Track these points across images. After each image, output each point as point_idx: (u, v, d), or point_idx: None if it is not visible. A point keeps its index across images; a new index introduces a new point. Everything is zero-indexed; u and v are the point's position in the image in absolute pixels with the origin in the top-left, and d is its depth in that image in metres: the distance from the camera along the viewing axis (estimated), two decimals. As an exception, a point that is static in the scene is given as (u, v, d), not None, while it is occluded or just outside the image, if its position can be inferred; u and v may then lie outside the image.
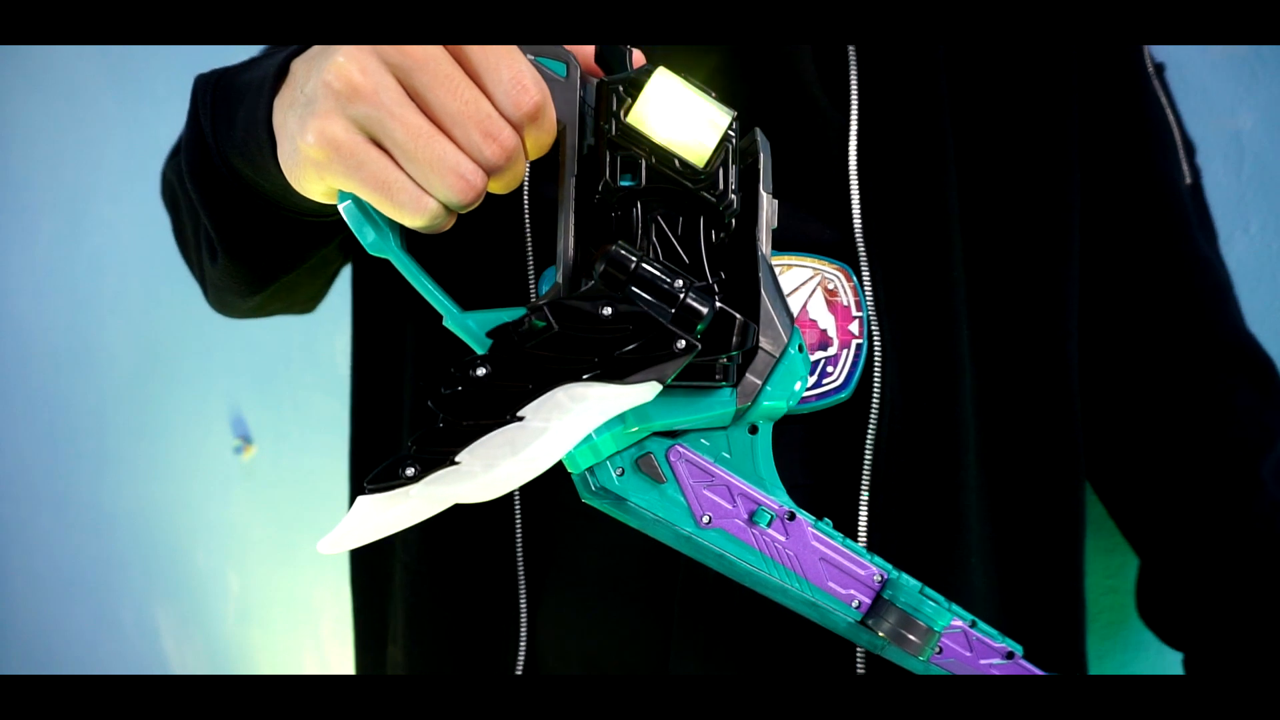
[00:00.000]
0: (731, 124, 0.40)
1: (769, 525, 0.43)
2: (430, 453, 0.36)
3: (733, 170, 0.40)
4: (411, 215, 0.38)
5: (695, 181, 0.39)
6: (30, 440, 1.58)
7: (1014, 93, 0.55)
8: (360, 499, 0.36)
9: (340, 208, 0.40)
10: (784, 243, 0.51)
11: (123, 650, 1.55)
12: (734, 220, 0.41)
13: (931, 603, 0.43)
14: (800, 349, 0.42)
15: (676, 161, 0.39)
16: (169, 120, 1.28)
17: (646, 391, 0.38)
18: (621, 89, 0.40)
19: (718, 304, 0.39)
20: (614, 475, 0.42)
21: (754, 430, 0.43)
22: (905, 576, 0.44)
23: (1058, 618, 0.59)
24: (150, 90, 1.29)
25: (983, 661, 0.44)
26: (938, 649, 0.44)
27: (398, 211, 0.38)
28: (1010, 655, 0.44)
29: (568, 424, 0.36)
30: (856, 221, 0.52)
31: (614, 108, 0.39)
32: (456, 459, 0.35)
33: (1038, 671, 0.44)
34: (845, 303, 0.50)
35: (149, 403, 1.39)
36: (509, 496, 0.56)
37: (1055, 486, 0.59)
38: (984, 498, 0.56)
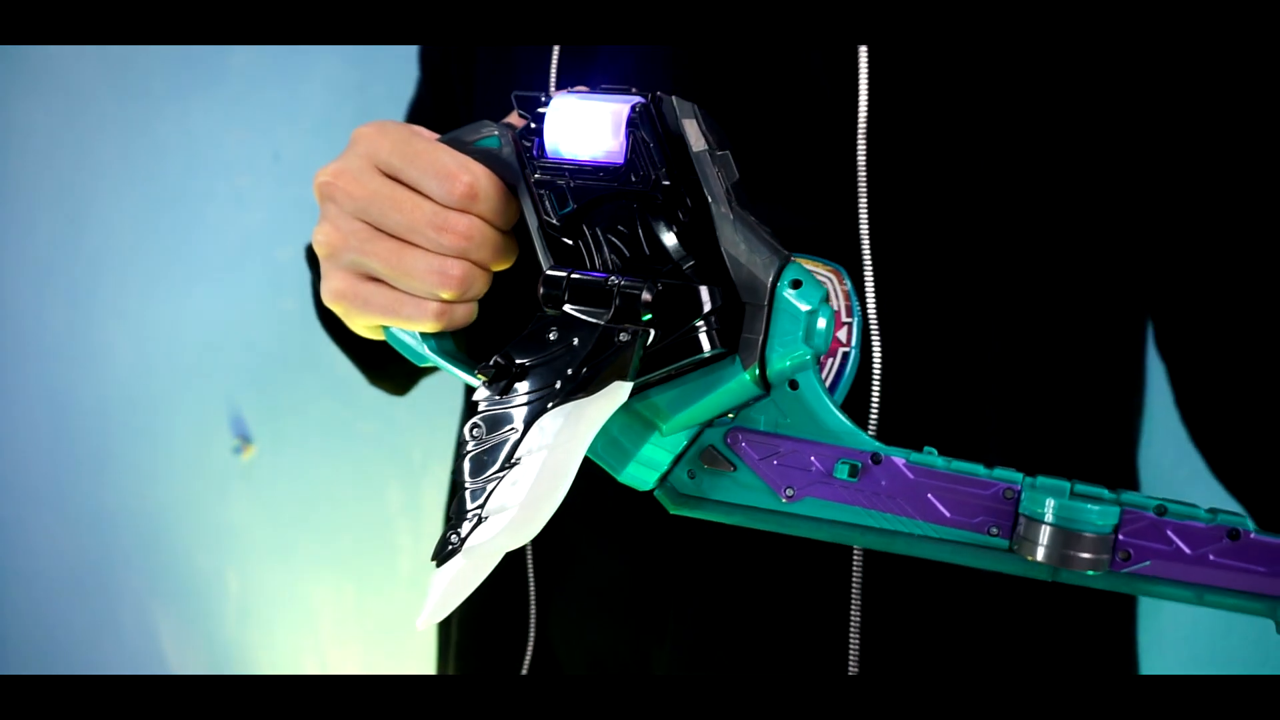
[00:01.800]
0: (633, 110, 0.39)
1: (855, 475, 0.39)
2: (462, 518, 0.38)
3: (652, 148, 0.39)
4: (424, 322, 0.43)
5: (620, 181, 0.39)
6: (30, 440, 1.58)
7: (1039, 82, 0.52)
8: (433, 576, 0.39)
9: (388, 336, 0.46)
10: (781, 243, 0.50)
11: (122, 650, 1.55)
12: (684, 197, 0.40)
13: (1090, 501, 0.36)
14: (796, 284, 0.39)
15: (601, 172, 0.40)
16: (168, 120, 1.28)
17: (617, 393, 0.38)
18: (530, 128, 0.41)
19: (659, 284, 0.38)
20: (688, 480, 0.41)
21: (794, 386, 0.40)
22: (1045, 480, 0.37)
23: (1097, 659, 0.57)
24: (150, 90, 1.29)
25: (1198, 553, 0.35)
26: (1125, 554, 0.36)
27: (413, 324, 0.43)
28: (1235, 534, 0.35)
29: (560, 451, 0.37)
30: (864, 225, 0.51)
31: (527, 153, 0.41)
32: (484, 516, 0.37)
33: None
34: (836, 307, 0.48)
35: (149, 403, 1.39)
36: None
37: None
38: None
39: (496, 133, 0.43)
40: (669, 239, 0.40)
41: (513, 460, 0.37)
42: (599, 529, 0.57)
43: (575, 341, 0.38)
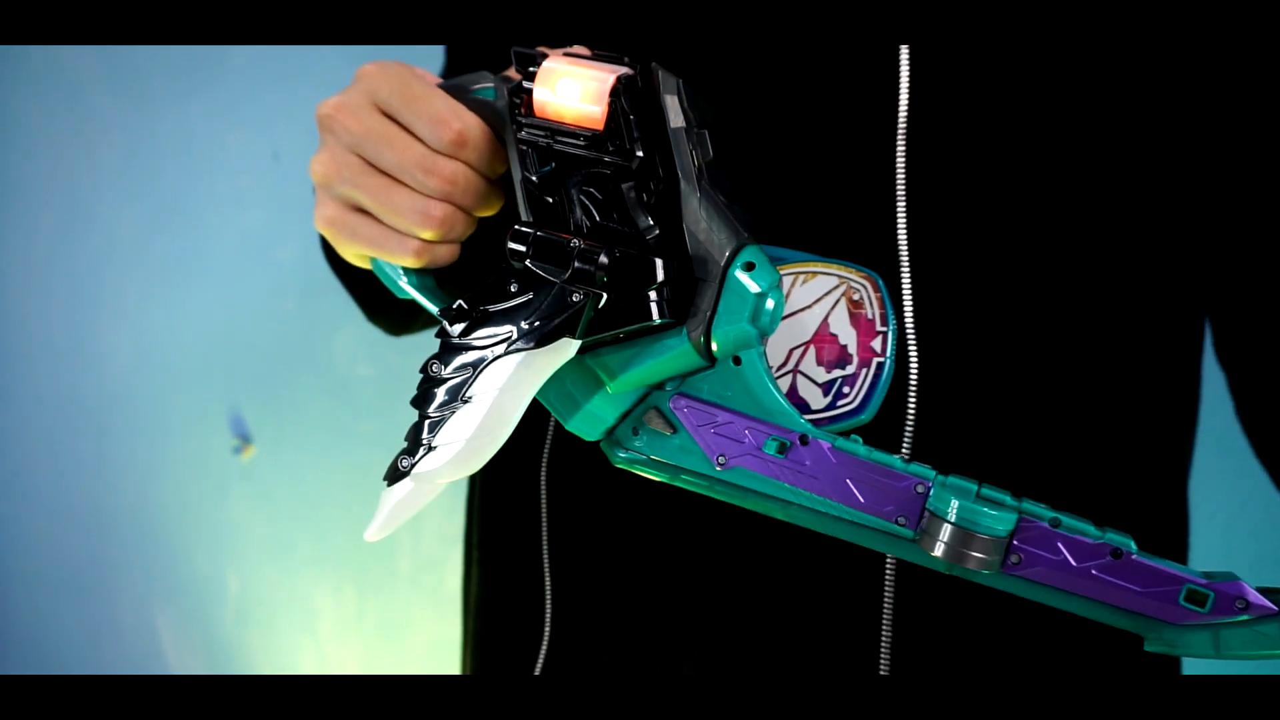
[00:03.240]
0: (619, 80, 0.41)
1: (783, 453, 0.41)
2: (414, 445, 0.41)
3: (631, 120, 0.41)
4: (405, 257, 0.45)
5: (597, 148, 0.41)
6: (30, 440, 1.58)
7: (1084, 85, 0.50)
8: (383, 494, 0.42)
9: (374, 266, 0.48)
10: (811, 246, 0.49)
11: (122, 650, 1.55)
12: (657, 169, 0.41)
13: (991, 505, 0.38)
14: (750, 266, 0.40)
15: (580, 137, 0.41)
16: (168, 120, 1.28)
17: (564, 349, 0.41)
18: (522, 86, 0.43)
19: (616, 251, 0.40)
20: (632, 435, 0.44)
21: (737, 362, 0.42)
22: (955, 479, 0.40)
23: (1119, 655, 0.55)
24: (150, 90, 1.29)
25: (1082, 566, 0.38)
26: (1016, 558, 0.38)
27: (395, 258, 0.45)
28: (1118, 553, 0.38)
29: (507, 395, 0.40)
30: (901, 231, 0.49)
31: (516, 109, 0.43)
32: (433, 445, 0.40)
33: (1163, 567, 0.38)
34: (870, 316, 0.47)
35: (149, 403, 1.39)
36: (535, 496, 0.58)
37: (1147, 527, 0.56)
38: None
39: (493, 84, 0.45)
40: (637, 209, 0.42)
41: (466, 397, 0.40)
42: (619, 530, 0.56)
43: (532, 296, 0.40)
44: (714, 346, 0.41)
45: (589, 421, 0.44)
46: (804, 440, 0.41)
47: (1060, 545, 0.39)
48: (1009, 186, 0.50)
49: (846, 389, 0.47)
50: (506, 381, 0.40)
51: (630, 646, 0.55)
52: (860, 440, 0.42)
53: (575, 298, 0.40)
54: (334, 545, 1.26)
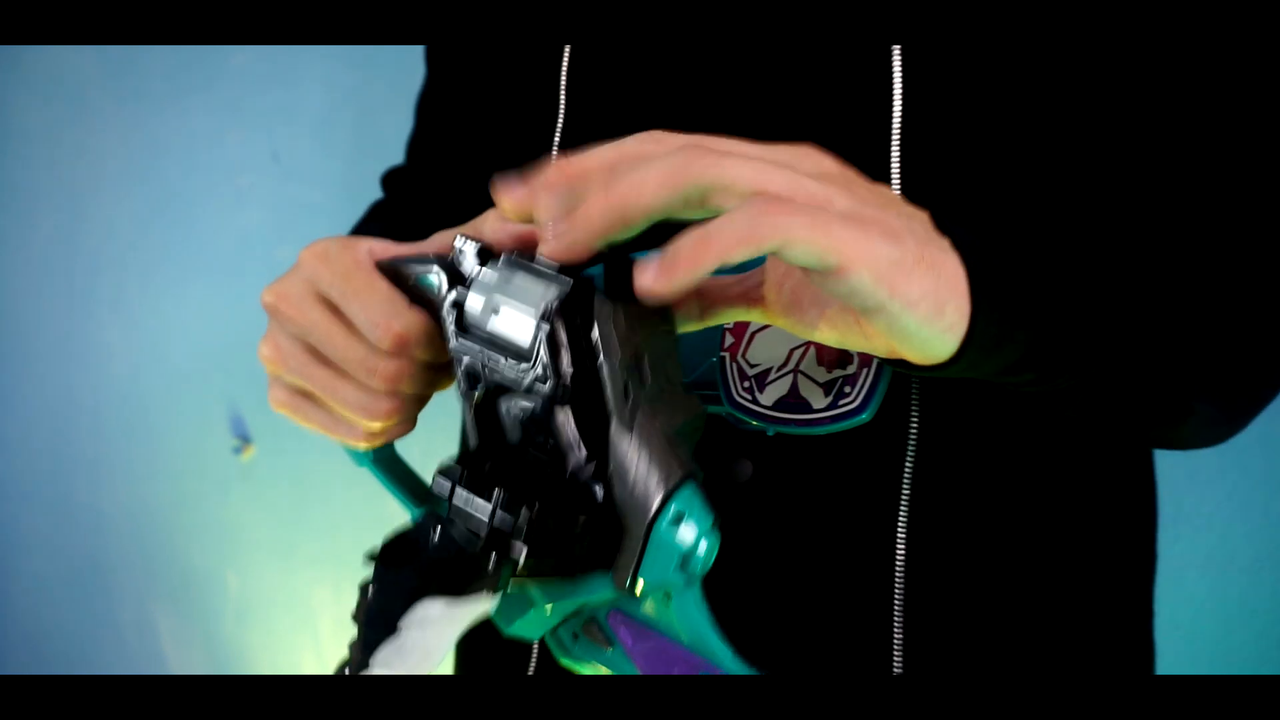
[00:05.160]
0: (550, 304, 0.39)
1: None
2: (355, 659, 0.42)
3: (557, 350, 0.39)
4: (356, 442, 0.47)
5: (525, 375, 0.40)
6: (30, 440, 1.58)
7: (1082, 83, 0.51)
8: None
9: None
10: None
11: (121, 650, 1.55)
12: (588, 398, 0.40)
13: None
14: (678, 519, 0.39)
15: (503, 360, 0.40)
16: (168, 120, 1.28)
17: (484, 602, 0.40)
18: (455, 297, 0.42)
19: (534, 509, 0.39)
20: (571, 640, 0.44)
21: (668, 598, 0.41)
22: None
23: (1123, 659, 0.57)
24: (150, 90, 1.29)
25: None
26: None
27: (345, 441, 0.47)
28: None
29: (432, 634, 0.41)
30: None
31: (452, 318, 0.42)
32: (370, 664, 0.41)
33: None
34: None
35: (148, 403, 1.39)
36: None
37: (1122, 520, 0.56)
38: (1036, 526, 0.53)
39: (434, 274, 0.44)
40: (571, 441, 0.41)
41: (395, 627, 0.41)
42: None
43: (451, 552, 0.40)
44: (639, 587, 0.40)
45: (528, 628, 0.43)
46: None
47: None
48: (1003, 186, 0.50)
49: (848, 389, 0.47)
50: (431, 623, 0.40)
51: None
52: None
53: (490, 564, 0.39)
54: (334, 545, 1.26)
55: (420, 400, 0.46)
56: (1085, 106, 0.50)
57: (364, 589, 0.41)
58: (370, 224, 0.70)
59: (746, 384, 0.48)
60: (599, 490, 0.40)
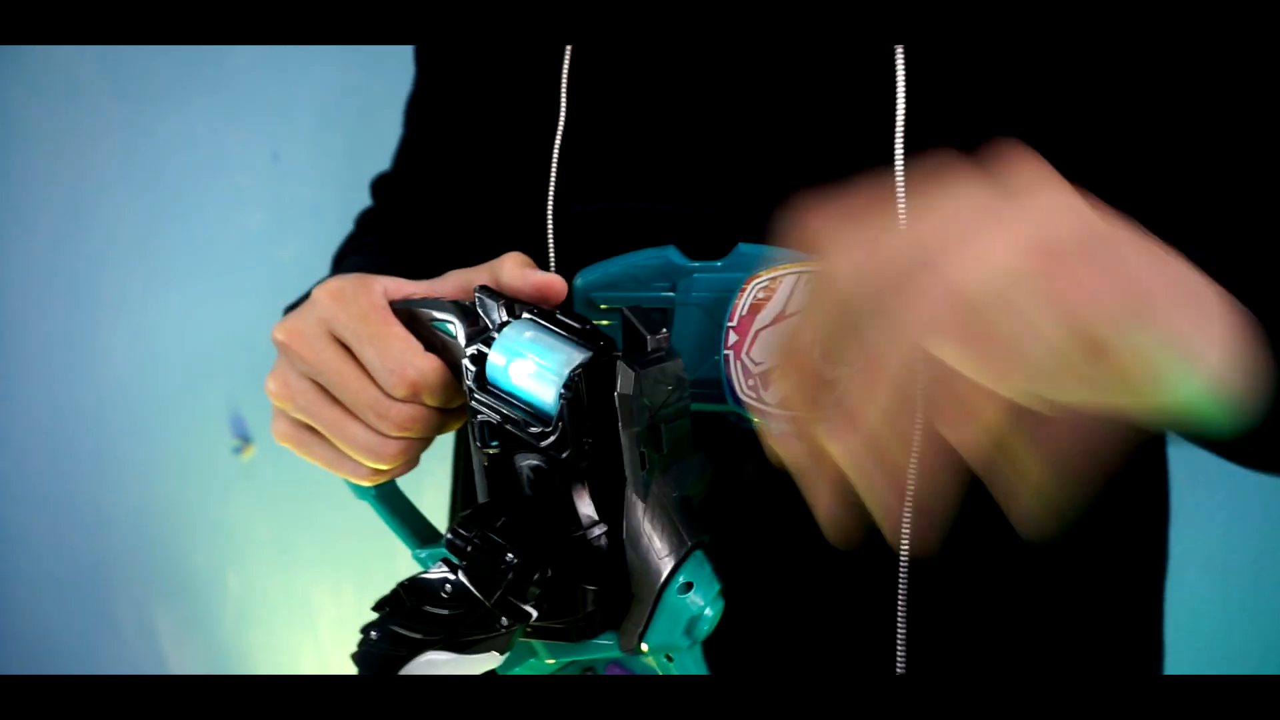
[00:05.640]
0: (574, 374, 0.39)
1: None
2: None
3: (578, 416, 0.40)
4: (359, 479, 0.47)
5: (544, 439, 0.40)
6: (30, 440, 1.58)
7: (1081, 83, 0.50)
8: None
9: None
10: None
11: (122, 651, 1.55)
12: (606, 466, 0.41)
13: None
14: (687, 587, 0.40)
15: (529, 422, 0.41)
16: (168, 120, 1.28)
17: (491, 659, 0.40)
18: (478, 350, 0.42)
19: (549, 574, 0.39)
20: None
21: (669, 659, 0.41)
22: None
23: (1132, 658, 0.57)
24: (150, 90, 1.29)
25: None
26: None
27: (351, 478, 0.48)
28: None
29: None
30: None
31: (471, 374, 0.42)
32: None
33: None
34: None
35: (149, 403, 1.39)
36: None
37: (1135, 518, 0.56)
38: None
39: (453, 320, 0.44)
40: (583, 502, 0.41)
41: (398, 675, 0.40)
42: None
43: (462, 610, 0.40)
44: (644, 649, 0.41)
45: (527, 671, 0.44)
46: None
47: None
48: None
49: None
50: (434, 672, 0.40)
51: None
52: None
53: (504, 623, 0.39)
54: (334, 545, 1.26)
55: (426, 442, 0.46)
56: (1089, 107, 0.50)
57: (366, 632, 0.40)
58: (363, 236, 0.70)
59: (751, 382, 0.48)
60: (609, 554, 0.41)
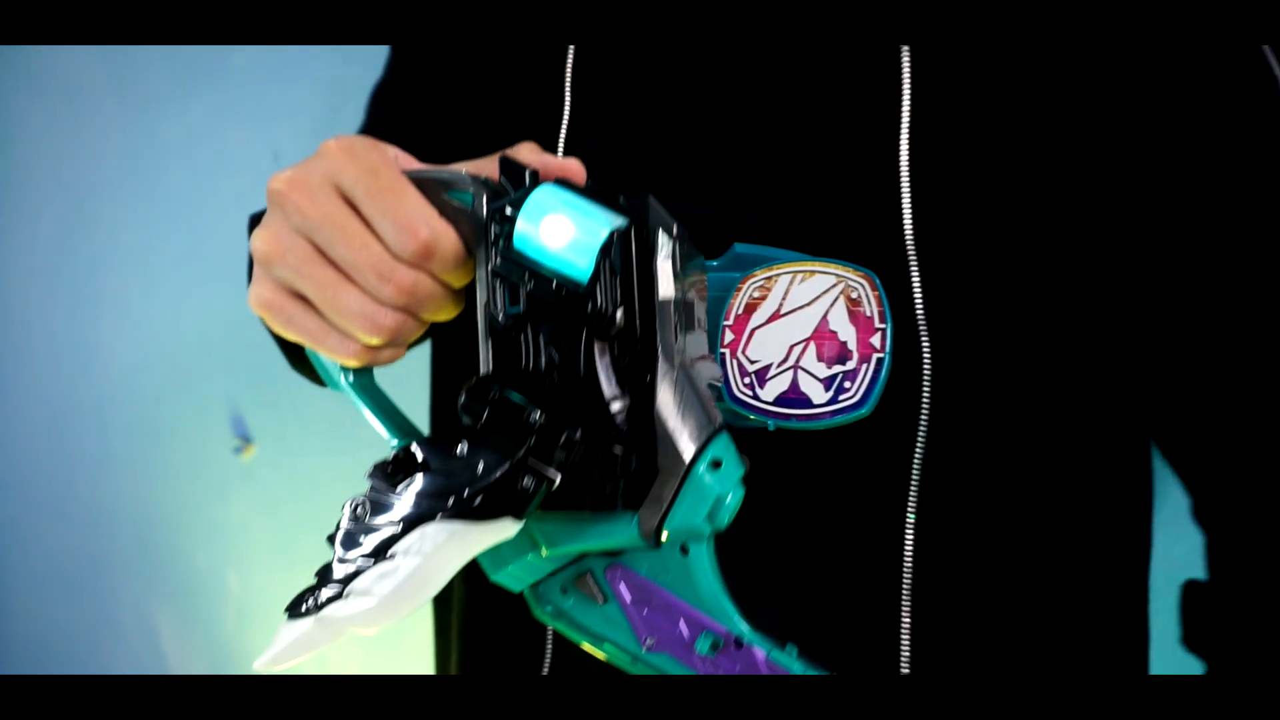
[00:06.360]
0: (613, 234, 0.38)
1: (714, 651, 0.40)
2: (325, 583, 0.38)
3: (618, 281, 0.38)
4: (343, 357, 0.42)
5: (575, 304, 0.38)
6: (30, 440, 1.58)
7: (1082, 89, 0.51)
8: (281, 626, 0.39)
9: (307, 351, 0.44)
10: (818, 246, 0.49)
11: (122, 650, 1.55)
12: (635, 337, 0.39)
13: None
14: (716, 464, 0.39)
15: (554, 283, 0.38)
16: (169, 120, 1.28)
17: (505, 528, 0.38)
18: (507, 211, 0.39)
19: (577, 434, 0.37)
20: (559, 594, 0.42)
21: (685, 551, 0.40)
22: None
23: (1119, 649, 0.57)
24: (150, 90, 1.29)
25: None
26: None
27: (331, 355, 0.42)
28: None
29: (433, 562, 0.37)
30: (908, 226, 0.49)
31: (494, 235, 0.39)
32: (345, 592, 0.37)
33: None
34: (868, 313, 0.47)
35: (149, 403, 1.39)
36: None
37: (1121, 515, 0.56)
38: (1041, 522, 0.54)
39: (472, 189, 0.41)
40: (607, 375, 0.39)
41: (390, 553, 0.37)
42: None
43: (480, 466, 0.37)
44: (663, 536, 0.39)
45: (516, 576, 0.42)
46: (739, 644, 0.40)
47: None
48: (1011, 182, 0.51)
49: (848, 384, 0.48)
50: (435, 549, 0.36)
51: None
52: (796, 651, 0.40)
53: (527, 482, 0.37)
54: (334, 545, 1.26)
55: (421, 325, 0.42)
56: (1094, 107, 0.50)
57: (355, 506, 0.38)
58: None
59: (747, 380, 0.48)
60: (633, 427, 0.39)
